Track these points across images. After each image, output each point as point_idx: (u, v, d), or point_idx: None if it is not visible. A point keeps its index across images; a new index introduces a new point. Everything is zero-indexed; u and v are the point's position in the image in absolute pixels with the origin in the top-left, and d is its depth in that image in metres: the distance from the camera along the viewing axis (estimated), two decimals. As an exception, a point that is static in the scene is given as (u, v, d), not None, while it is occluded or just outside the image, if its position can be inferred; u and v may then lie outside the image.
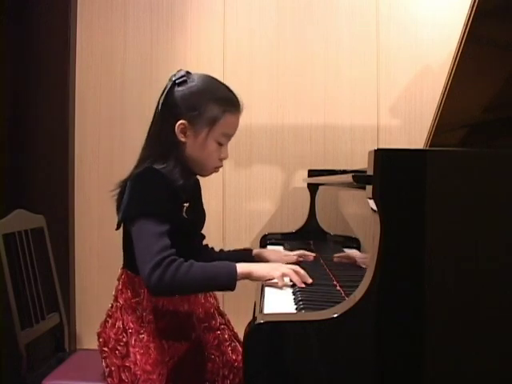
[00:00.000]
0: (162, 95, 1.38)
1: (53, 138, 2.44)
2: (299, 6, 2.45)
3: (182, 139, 1.35)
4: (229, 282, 1.23)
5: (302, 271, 1.28)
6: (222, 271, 1.25)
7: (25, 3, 2.42)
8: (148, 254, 1.22)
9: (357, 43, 2.43)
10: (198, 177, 1.50)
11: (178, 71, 1.38)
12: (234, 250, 1.65)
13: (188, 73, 1.38)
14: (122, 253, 1.41)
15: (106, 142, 2.49)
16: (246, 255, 1.59)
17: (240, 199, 2.46)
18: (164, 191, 1.30)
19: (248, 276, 1.26)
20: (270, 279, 1.28)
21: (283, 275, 1.26)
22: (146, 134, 1.42)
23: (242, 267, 1.25)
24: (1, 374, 2.15)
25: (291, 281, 1.27)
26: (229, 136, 1.39)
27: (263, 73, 2.45)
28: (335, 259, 1.49)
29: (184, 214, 1.36)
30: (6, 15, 2.34)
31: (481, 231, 0.91)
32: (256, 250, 1.63)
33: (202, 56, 2.47)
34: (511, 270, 0.91)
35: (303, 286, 1.24)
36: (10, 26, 2.37)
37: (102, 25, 2.50)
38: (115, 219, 1.36)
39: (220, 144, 1.37)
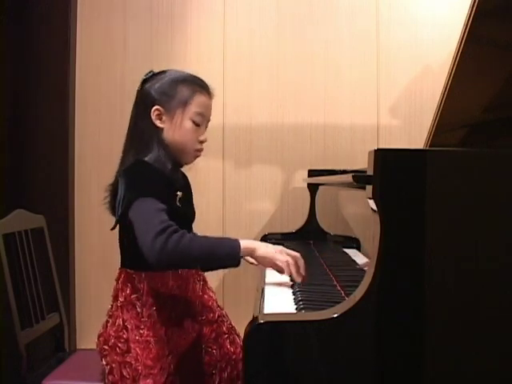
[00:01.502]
0: None
1: (53, 138, 2.44)
2: (299, 6, 2.45)
3: (160, 125, 1.40)
4: (232, 256, 1.24)
5: (300, 263, 1.27)
6: (225, 244, 1.27)
7: (25, 3, 2.42)
8: (149, 225, 1.22)
9: (357, 43, 2.43)
10: (189, 176, 1.51)
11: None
12: None
13: (156, 72, 1.46)
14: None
15: (106, 142, 2.48)
16: None
17: (240, 199, 2.45)
18: (157, 178, 1.33)
19: (252, 252, 1.27)
20: (272, 261, 1.27)
21: (287, 261, 1.25)
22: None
23: (246, 242, 1.26)
24: (1, 374, 2.15)
25: (291, 280, 1.27)
26: (203, 116, 1.43)
27: (263, 73, 2.45)
28: None
29: (178, 202, 1.37)
30: (5, 15, 2.34)
31: (481, 231, 0.91)
32: None
33: (202, 56, 2.47)
34: (511, 270, 0.91)
35: (299, 278, 1.24)
36: (9, 25, 2.37)
37: (102, 25, 2.50)
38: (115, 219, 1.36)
39: (196, 124, 1.41)
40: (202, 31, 2.48)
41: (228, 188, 2.45)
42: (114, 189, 1.38)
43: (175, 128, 1.40)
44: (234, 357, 1.42)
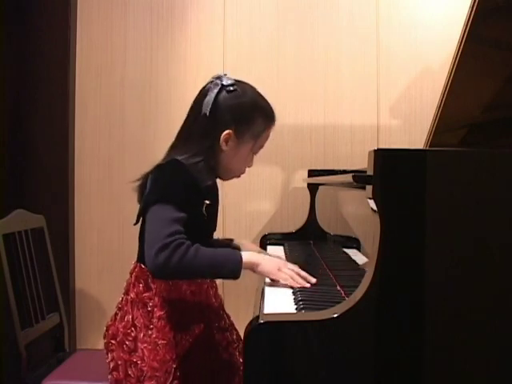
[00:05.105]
0: (199, 95, 1.38)
1: (53, 138, 2.44)
2: (299, 6, 2.45)
3: (224, 148, 1.36)
4: (234, 271, 1.23)
5: (302, 273, 1.27)
6: (228, 258, 1.25)
7: (25, 3, 2.42)
8: (157, 236, 1.21)
9: (357, 43, 2.43)
10: None
11: (224, 76, 1.38)
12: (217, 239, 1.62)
13: (237, 81, 1.38)
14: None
15: (106, 142, 2.48)
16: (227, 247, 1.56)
17: (240, 199, 2.45)
18: (184, 181, 1.29)
19: (253, 267, 1.25)
20: (272, 277, 1.26)
21: (286, 278, 1.25)
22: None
23: (248, 257, 1.25)
24: (1, 373, 2.15)
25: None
26: (262, 147, 1.44)
27: (263, 73, 2.45)
28: None
29: (204, 210, 1.34)
30: (5, 15, 2.34)
31: (481, 231, 0.91)
32: (237, 242, 1.61)
33: (202, 56, 2.46)
34: (511, 270, 0.91)
35: (307, 286, 1.24)
36: (9, 25, 2.37)
37: (102, 25, 2.50)
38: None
39: (254, 154, 1.43)
40: (202, 31, 2.48)
41: (228, 188, 2.45)
42: (146, 177, 1.34)
43: (236, 156, 1.38)
44: (242, 367, 1.40)
